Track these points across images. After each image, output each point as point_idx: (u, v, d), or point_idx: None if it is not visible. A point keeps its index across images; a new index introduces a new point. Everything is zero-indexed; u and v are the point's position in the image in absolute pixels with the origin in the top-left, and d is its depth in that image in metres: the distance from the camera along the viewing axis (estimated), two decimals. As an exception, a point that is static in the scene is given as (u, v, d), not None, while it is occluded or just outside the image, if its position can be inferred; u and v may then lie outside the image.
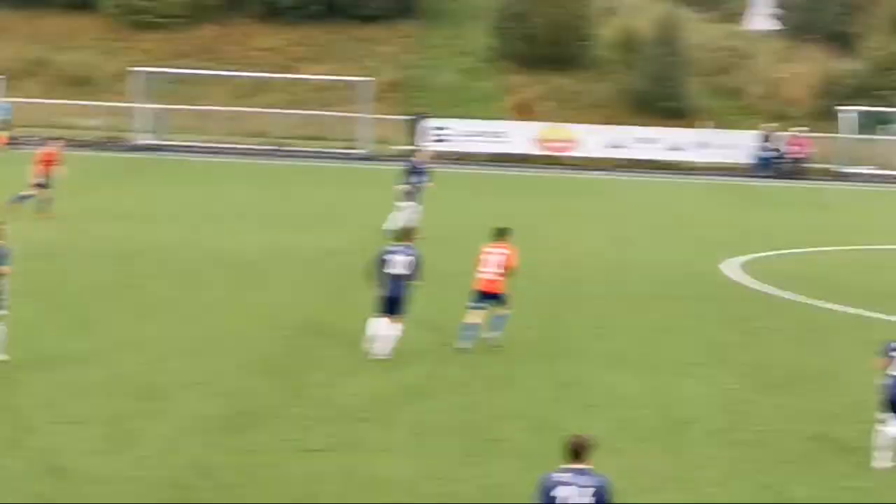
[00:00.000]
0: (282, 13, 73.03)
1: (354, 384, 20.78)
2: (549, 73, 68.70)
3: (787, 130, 62.56)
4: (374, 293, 22.61)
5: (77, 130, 60.22)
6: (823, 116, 64.88)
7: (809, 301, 29.79)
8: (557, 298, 28.79)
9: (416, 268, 22.47)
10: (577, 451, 12.27)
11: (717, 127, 63.63)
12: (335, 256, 32.62)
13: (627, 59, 69.60)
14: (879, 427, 17.88)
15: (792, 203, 52.22)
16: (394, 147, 60.23)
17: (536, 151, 62.67)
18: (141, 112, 62.39)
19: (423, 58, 71.69)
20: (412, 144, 56.91)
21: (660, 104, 65.92)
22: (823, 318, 28.27)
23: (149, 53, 69.37)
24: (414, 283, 22.59)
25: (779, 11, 75.29)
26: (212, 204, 43.12)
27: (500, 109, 66.73)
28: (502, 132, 63.21)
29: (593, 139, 62.82)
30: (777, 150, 62.05)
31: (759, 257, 36.16)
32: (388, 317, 22.31)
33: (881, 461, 17.79)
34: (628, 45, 70.28)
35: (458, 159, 59.83)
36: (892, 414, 17.69)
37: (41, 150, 39.74)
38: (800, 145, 62.18)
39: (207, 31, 72.72)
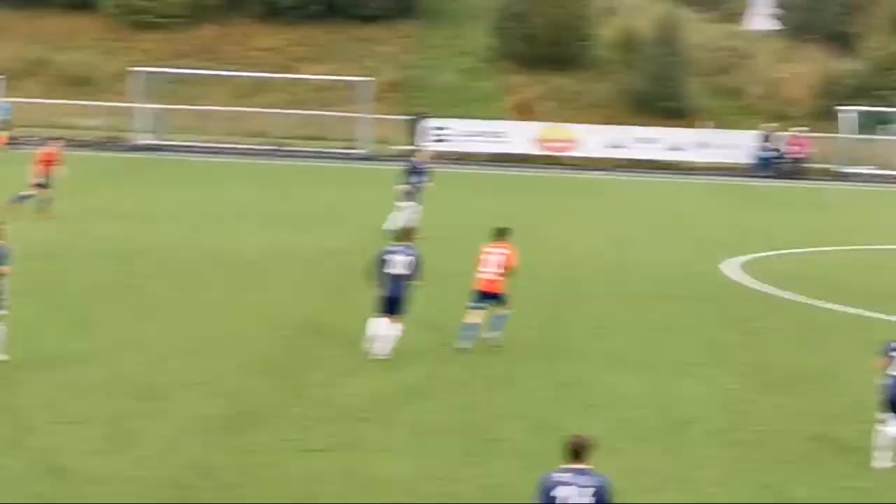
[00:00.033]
0: (282, 13, 73.01)
1: (354, 384, 20.77)
2: (549, 73, 68.68)
3: (787, 130, 62.53)
4: (374, 293, 22.61)
5: (77, 130, 60.19)
6: (823, 116, 64.86)
7: (809, 301, 29.78)
8: (557, 298, 28.79)
9: (416, 268, 22.46)
10: (577, 451, 12.27)
11: (717, 127, 63.60)
12: (335, 256, 32.62)
13: (627, 59, 69.58)
14: (879, 427, 17.88)
15: (792, 203, 52.20)
16: (394, 147, 60.21)
17: (536, 151, 62.64)
18: (141, 112, 62.38)
19: (423, 58, 71.67)
20: (412, 144, 56.89)
21: (660, 104, 65.89)
22: (823, 318, 28.26)
23: (149, 53, 69.35)
24: (414, 283, 22.58)
25: (779, 11, 75.26)
26: (212, 204, 43.11)
27: (500, 109, 66.70)
28: (502, 132, 63.18)
29: (593, 139, 62.79)
30: (777, 150, 62.02)
31: (759, 257, 36.15)
32: (388, 317, 22.31)
33: (881, 461, 17.79)
34: (628, 45, 70.25)
35: (458, 159, 59.80)
36: (892, 414, 17.68)
37: (41, 150, 39.72)
38: (800, 145, 62.15)
39: (207, 31, 72.70)
